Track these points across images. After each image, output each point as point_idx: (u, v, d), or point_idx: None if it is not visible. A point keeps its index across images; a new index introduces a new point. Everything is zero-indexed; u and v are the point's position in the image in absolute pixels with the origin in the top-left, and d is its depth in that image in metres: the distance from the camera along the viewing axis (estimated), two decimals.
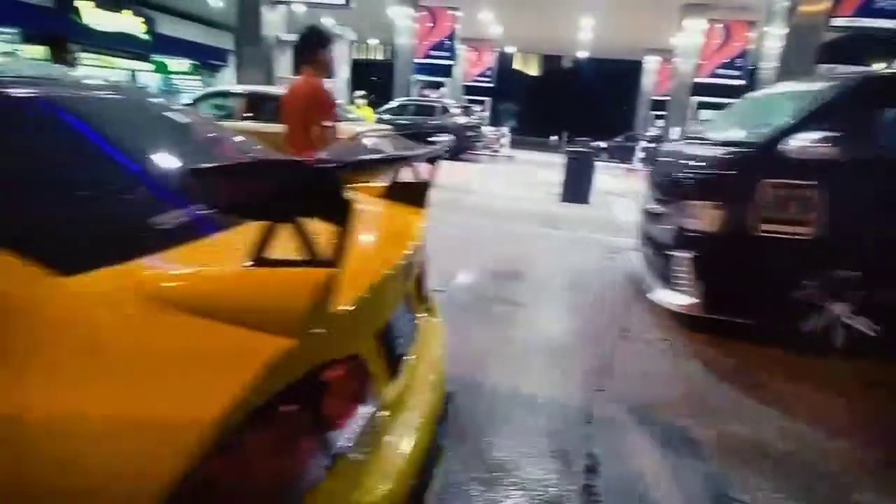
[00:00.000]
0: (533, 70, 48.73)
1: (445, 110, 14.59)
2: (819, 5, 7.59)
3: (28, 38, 13.10)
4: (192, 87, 17.00)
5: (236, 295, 0.77)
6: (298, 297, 0.75)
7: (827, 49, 7.73)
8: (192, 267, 0.88)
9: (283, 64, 10.31)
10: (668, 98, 18.24)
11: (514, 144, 18.13)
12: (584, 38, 20.38)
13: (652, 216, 3.81)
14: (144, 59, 17.07)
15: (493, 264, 4.62)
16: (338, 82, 13.93)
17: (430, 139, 14.14)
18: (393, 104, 14.58)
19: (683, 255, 3.20)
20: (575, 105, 35.27)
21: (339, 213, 0.75)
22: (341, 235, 0.76)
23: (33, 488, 0.68)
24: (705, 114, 15.67)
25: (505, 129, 17.64)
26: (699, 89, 15.47)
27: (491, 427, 2.20)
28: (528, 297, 3.84)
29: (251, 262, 0.77)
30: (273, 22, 9.70)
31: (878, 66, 7.59)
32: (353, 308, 0.91)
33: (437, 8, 16.12)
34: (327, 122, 3.22)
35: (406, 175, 1.90)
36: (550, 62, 44.29)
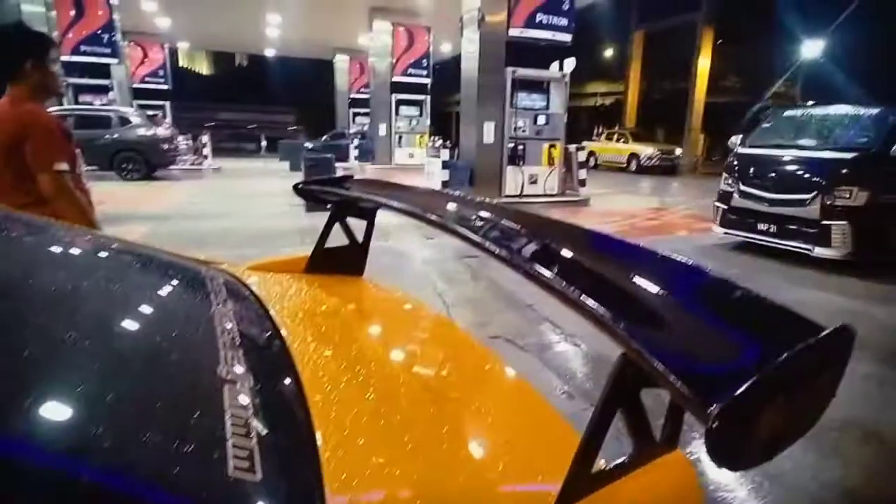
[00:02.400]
0: (207, 69, 44.45)
1: (125, 121, 11.87)
2: (499, 16, 8.99)
3: None
4: None
5: None
6: None
7: (512, 52, 9.19)
8: None
9: None
10: (366, 96, 19.12)
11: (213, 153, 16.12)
12: (271, 35, 19.47)
13: (775, 203, 5.42)
14: None
15: None
16: None
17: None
18: None
19: (839, 223, 4.95)
20: (267, 106, 33.68)
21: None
22: None
23: None
24: (405, 110, 16.97)
25: (205, 138, 15.50)
26: (396, 87, 16.63)
27: None
28: None
29: None
30: None
31: (552, 67, 9.42)
32: None
33: None
34: (61, 166, 2.06)
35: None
36: (229, 60, 41.14)
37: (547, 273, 0.65)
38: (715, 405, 0.41)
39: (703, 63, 20.59)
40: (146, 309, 0.83)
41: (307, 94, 31.54)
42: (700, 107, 20.66)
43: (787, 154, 5.71)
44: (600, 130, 20.61)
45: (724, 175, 6.12)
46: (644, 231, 7.42)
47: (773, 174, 5.61)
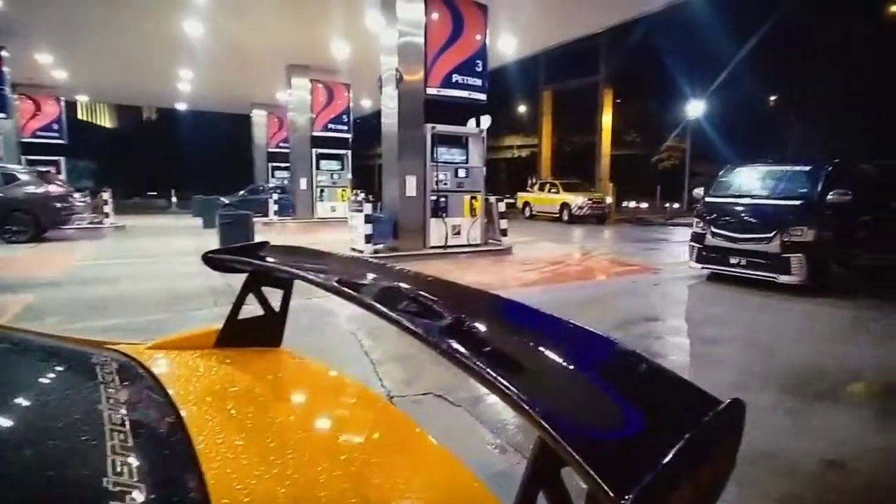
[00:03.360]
0: (110, 122, 42.17)
1: (11, 178, 10.84)
2: (416, 76, 9.33)
3: None
4: None
5: None
6: None
7: (431, 109, 9.52)
8: None
9: None
10: (286, 150, 18.88)
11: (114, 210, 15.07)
12: (183, 89, 18.91)
13: (743, 241, 6.66)
14: None
15: None
16: None
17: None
18: None
19: (796, 255, 6.22)
20: (179, 161, 32.24)
21: None
22: None
23: None
24: (326, 164, 16.90)
25: (106, 195, 14.46)
26: (316, 142, 16.57)
27: None
28: None
29: None
30: None
31: (470, 123, 9.84)
32: None
33: None
34: None
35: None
36: (132, 114, 39.32)
37: (464, 352, 0.63)
38: (627, 496, 0.41)
39: (607, 119, 22.52)
40: (11, 410, 0.71)
41: (223, 148, 30.64)
42: (607, 159, 22.42)
43: (749, 202, 6.96)
44: (534, 181, 21.39)
45: (696, 219, 7.40)
46: (565, 277, 7.72)
47: (740, 218, 6.85)
